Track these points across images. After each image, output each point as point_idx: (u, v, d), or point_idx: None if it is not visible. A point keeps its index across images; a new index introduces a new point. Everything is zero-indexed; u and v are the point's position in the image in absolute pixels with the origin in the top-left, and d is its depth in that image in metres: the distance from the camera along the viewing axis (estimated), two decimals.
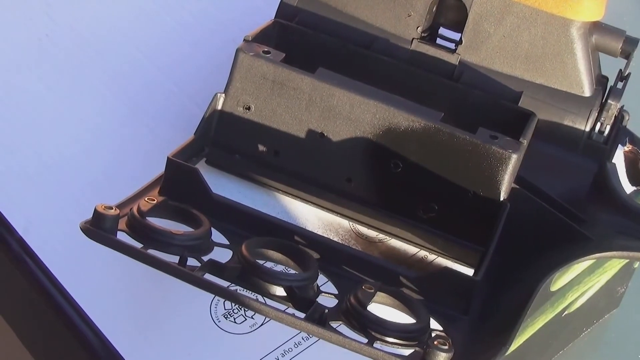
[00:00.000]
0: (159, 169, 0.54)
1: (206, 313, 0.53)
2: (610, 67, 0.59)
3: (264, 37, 0.57)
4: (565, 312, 0.60)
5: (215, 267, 0.49)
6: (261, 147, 0.56)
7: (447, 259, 0.55)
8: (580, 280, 0.59)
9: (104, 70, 0.64)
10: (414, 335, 0.47)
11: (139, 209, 0.50)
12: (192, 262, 0.49)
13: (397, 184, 0.55)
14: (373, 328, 0.47)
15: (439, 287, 0.50)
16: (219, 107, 0.56)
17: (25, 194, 0.57)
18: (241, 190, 0.57)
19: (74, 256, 0.54)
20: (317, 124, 0.55)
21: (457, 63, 0.58)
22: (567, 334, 0.63)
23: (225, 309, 0.53)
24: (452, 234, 0.54)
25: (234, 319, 0.53)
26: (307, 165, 0.56)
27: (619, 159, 0.58)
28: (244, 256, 0.49)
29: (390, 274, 0.51)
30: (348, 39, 0.59)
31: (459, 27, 0.58)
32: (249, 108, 0.56)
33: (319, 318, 0.48)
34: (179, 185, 0.53)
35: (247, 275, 0.48)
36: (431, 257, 0.55)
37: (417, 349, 0.47)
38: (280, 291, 0.48)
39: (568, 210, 0.55)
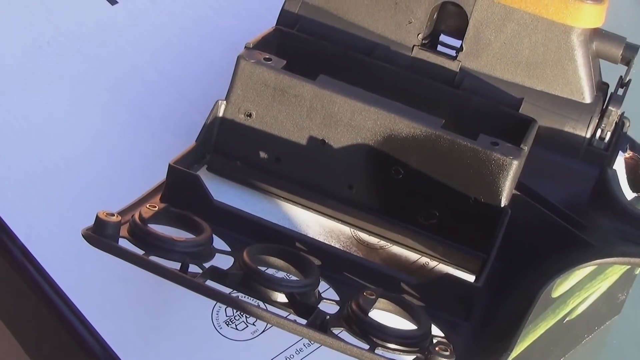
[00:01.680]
0: (161, 175, 0.54)
1: (208, 320, 0.53)
2: (611, 73, 0.59)
3: (265, 44, 0.58)
4: (567, 319, 0.60)
5: (216, 274, 0.49)
6: (262, 154, 0.56)
7: (448, 265, 0.55)
8: (581, 287, 0.59)
9: (106, 77, 0.64)
10: (416, 341, 0.47)
11: (140, 216, 0.50)
12: (193, 268, 0.49)
13: (398, 190, 0.55)
14: (374, 334, 0.47)
15: (440, 294, 0.50)
16: (220, 114, 0.56)
17: (27, 200, 0.57)
18: (242, 197, 0.57)
19: (76, 263, 0.54)
20: (318, 131, 0.55)
21: (458, 70, 0.58)
22: (569, 340, 0.63)
23: (226, 316, 0.53)
24: (453, 240, 0.54)
25: (236, 325, 0.53)
26: (308, 172, 0.56)
27: (619, 166, 0.58)
28: (245, 263, 0.49)
29: (391, 280, 0.51)
30: (349, 46, 0.59)
31: (459, 34, 0.58)
32: (250, 115, 0.56)
33: (320, 324, 0.47)
34: (180, 192, 0.53)
35: (249, 281, 0.48)
36: (432, 263, 0.55)
37: (418, 355, 0.47)
38: (281, 297, 0.48)
39: (569, 217, 0.55)
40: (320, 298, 0.50)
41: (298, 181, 0.56)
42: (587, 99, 0.57)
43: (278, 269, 0.51)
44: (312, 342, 0.52)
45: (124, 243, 0.49)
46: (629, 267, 0.63)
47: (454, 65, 0.58)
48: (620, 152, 0.58)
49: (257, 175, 0.57)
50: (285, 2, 0.60)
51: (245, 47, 0.56)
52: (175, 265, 0.48)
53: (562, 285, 0.57)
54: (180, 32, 0.67)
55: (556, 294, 0.57)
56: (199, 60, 0.65)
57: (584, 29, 0.57)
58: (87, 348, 0.52)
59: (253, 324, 0.53)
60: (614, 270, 0.62)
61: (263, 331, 0.53)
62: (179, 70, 0.65)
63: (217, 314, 0.53)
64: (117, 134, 0.61)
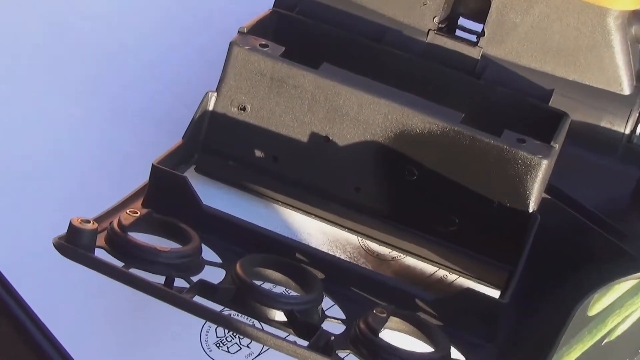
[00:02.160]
0: (143, 177, 0.54)
1: (196, 341, 0.53)
2: None
3: (261, 28, 0.57)
4: (606, 340, 0.60)
5: (206, 289, 0.48)
6: (258, 153, 0.56)
7: (469, 279, 0.55)
8: (621, 304, 0.59)
9: (80, 67, 0.64)
10: None
11: (119, 223, 0.50)
12: (180, 282, 0.49)
13: (412, 193, 0.55)
14: (386, 357, 0.47)
15: (461, 311, 0.50)
16: (211, 108, 0.56)
17: None
18: (235, 201, 0.57)
19: (46, 276, 0.54)
20: (321, 126, 0.55)
21: (479, 57, 0.58)
22: None
23: (217, 337, 0.53)
24: (474, 250, 0.54)
25: (228, 347, 0.53)
26: (310, 172, 0.56)
27: None
28: (238, 276, 0.49)
29: (404, 296, 0.51)
30: (356, 30, 0.59)
31: (481, 16, 0.58)
32: (244, 108, 0.56)
33: (324, 346, 0.47)
34: (165, 195, 0.53)
35: (243, 297, 0.48)
36: (451, 276, 0.55)
37: None
38: (280, 316, 0.48)
39: (606, 223, 0.55)
40: (323, 316, 0.49)
41: (298, 183, 0.56)
42: (626, 89, 0.57)
43: (276, 283, 0.51)
44: None
45: (100, 254, 0.49)
46: None
47: (474, 52, 0.58)
48: None
49: (252, 177, 0.57)
50: None
51: (238, 32, 0.56)
52: (159, 279, 0.48)
53: (600, 302, 0.57)
54: (165, 15, 0.67)
55: (593, 311, 0.57)
56: (186, 47, 0.66)
57: (622, 11, 0.57)
58: None
59: (247, 346, 0.53)
60: None
61: (259, 354, 0.52)
62: (163, 58, 0.65)
63: (207, 335, 0.53)
64: (93, 130, 0.61)
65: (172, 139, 0.56)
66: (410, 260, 0.56)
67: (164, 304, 0.47)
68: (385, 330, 0.48)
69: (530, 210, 0.53)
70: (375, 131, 0.54)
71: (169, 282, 0.48)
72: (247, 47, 0.55)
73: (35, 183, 0.58)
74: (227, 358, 0.52)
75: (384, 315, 0.48)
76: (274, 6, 0.60)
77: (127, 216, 0.50)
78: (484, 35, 0.58)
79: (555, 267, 0.54)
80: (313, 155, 0.55)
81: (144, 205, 0.53)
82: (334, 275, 0.51)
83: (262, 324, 0.49)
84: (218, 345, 0.53)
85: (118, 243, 0.49)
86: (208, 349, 0.52)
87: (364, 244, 0.57)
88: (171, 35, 0.66)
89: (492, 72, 0.58)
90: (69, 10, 0.66)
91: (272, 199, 0.57)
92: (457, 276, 0.55)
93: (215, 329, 0.53)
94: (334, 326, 0.49)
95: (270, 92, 0.55)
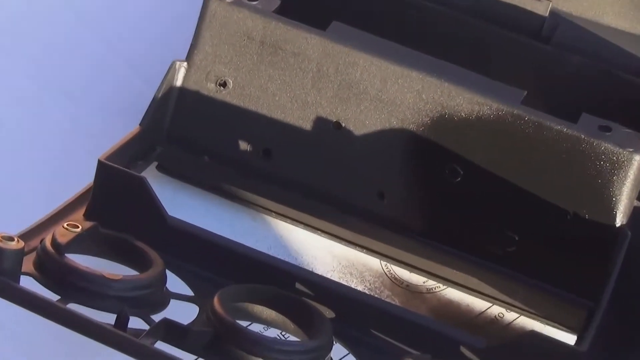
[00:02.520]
0: (86, 179, 0.53)
1: None
2: None
3: None
4: None
5: (172, 331, 0.48)
6: (243, 145, 0.56)
7: (533, 318, 0.55)
8: None
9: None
10: None
11: (54, 242, 0.49)
12: (136, 322, 0.48)
13: (455, 201, 0.54)
14: None
15: None
16: (179, 83, 0.56)
17: None
18: (212, 210, 0.57)
19: None
20: (330, 109, 0.55)
21: (547, 14, 0.58)
22: None
23: None
24: (541, 279, 0.54)
25: None
26: (314, 172, 0.56)
27: None
28: (216, 314, 0.48)
29: (445, 341, 0.51)
30: None
31: None
32: (224, 84, 0.56)
33: None
34: (115, 203, 0.53)
35: (222, 343, 0.48)
36: (509, 315, 0.55)
37: None
38: None
39: None
40: None
41: (299, 186, 0.56)
42: None
43: (268, 324, 0.51)
44: None
45: (28, 282, 0.48)
46: None
47: (541, 8, 0.58)
48: None
49: (235, 177, 0.56)
50: None
51: None
52: (109, 318, 0.47)
53: None
54: None
55: None
56: (144, 1, 0.66)
57: None
58: None
59: None
60: None
61: None
62: (112, 16, 0.65)
63: None
64: (20, 113, 0.61)
65: (125, 126, 0.56)
66: (453, 293, 0.56)
67: (115, 352, 0.46)
68: None
69: (618, 224, 0.53)
70: (405, 115, 0.54)
71: (122, 323, 0.48)
72: (229, 0, 0.55)
73: None
74: None
75: None
76: None
77: (64, 232, 0.50)
78: None
79: None
80: (319, 148, 0.55)
81: (86, 216, 0.53)
82: (348, 313, 0.51)
83: None
84: None
85: (52, 268, 0.49)
86: None
87: (389, 270, 0.56)
88: None
89: (565, 34, 0.58)
90: None
91: (263, 208, 0.57)
92: (517, 315, 0.55)
93: None
94: None
95: (260, 62, 0.55)
